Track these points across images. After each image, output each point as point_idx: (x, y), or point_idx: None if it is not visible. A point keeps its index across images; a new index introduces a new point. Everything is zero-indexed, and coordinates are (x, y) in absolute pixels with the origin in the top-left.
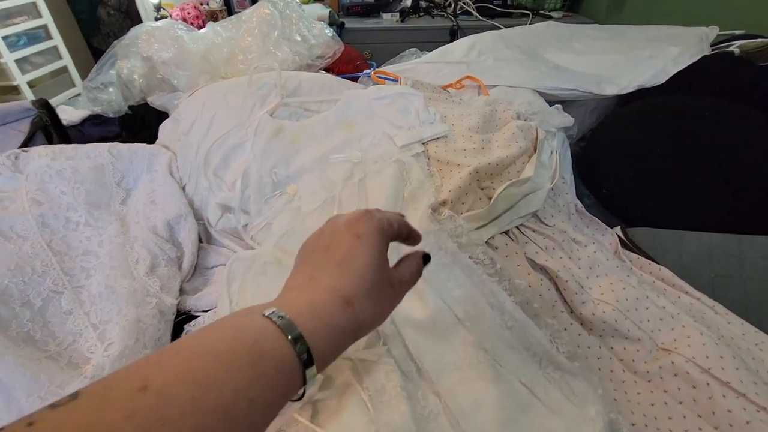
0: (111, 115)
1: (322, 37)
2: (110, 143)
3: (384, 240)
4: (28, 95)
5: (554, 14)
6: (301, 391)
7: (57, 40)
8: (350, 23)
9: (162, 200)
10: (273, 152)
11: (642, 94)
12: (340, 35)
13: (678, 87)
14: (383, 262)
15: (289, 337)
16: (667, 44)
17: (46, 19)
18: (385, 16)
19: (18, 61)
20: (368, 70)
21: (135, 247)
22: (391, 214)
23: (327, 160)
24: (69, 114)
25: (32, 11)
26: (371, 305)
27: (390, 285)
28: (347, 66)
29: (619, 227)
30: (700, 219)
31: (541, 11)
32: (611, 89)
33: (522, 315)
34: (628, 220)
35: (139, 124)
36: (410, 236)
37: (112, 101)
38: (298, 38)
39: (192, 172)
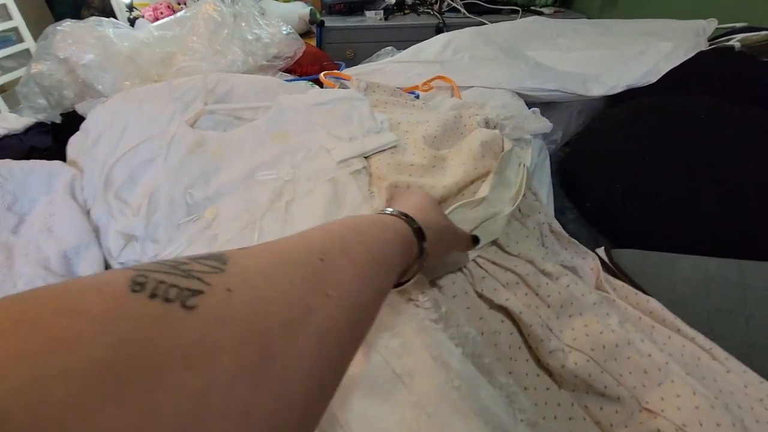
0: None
1: (278, 35)
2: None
3: (434, 198)
4: None
5: (545, 10)
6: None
7: (29, 43)
8: (333, 22)
9: (60, 227)
10: (189, 169)
11: (632, 94)
12: (320, 35)
13: (671, 86)
14: (437, 204)
15: (397, 214)
16: (659, 39)
17: (17, 21)
18: (369, 14)
19: None
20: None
21: (18, 286)
22: None
23: (253, 177)
24: (11, 122)
25: (2, 13)
26: (434, 217)
27: (447, 218)
28: (313, 67)
29: (602, 248)
30: (696, 237)
31: (532, 7)
32: (598, 89)
33: (471, 372)
34: (616, 237)
35: (72, 134)
36: None
37: (48, 108)
38: (250, 37)
39: (96, 193)
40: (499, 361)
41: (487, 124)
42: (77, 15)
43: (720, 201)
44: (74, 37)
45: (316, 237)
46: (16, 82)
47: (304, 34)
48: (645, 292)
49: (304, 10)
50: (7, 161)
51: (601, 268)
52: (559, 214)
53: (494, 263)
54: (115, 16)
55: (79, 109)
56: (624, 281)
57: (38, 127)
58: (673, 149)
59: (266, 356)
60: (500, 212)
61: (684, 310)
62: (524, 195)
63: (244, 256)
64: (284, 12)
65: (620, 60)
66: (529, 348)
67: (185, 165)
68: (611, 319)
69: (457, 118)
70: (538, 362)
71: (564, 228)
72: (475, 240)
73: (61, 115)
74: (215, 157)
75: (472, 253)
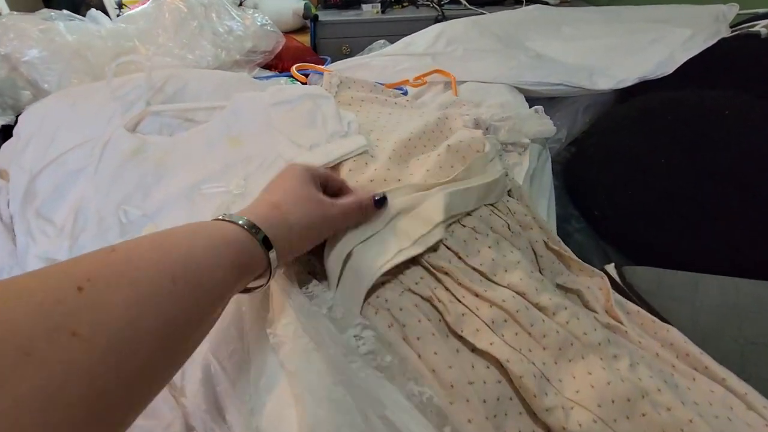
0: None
1: (253, 27)
2: None
3: (308, 172)
4: None
5: (551, 0)
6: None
7: None
8: (328, 16)
9: None
10: (125, 181)
11: (644, 88)
12: (314, 29)
13: (690, 79)
14: (307, 183)
15: (239, 222)
16: (674, 26)
17: (4, 11)
18: (366, 7)
19: None
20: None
21: None
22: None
23: (199, 190)
24: None
25: None
26: (297, 209)
27: (318, 201)
28: (295, 62)
29: (612, 265)
30: (721, 254)
31: None
32: (605, 83)
33: None
34: (627, 251)
35: None
36: (342, 190)
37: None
38: (222, 29)
39: (17, 208)
40: (474, 423)
41: (477, 125)
42: (77, 10)
43: (750, 213)
44: (16, 31)
45: (89, 259)
46: None
47: (299, 30)
48: (663, 319)
49: (297, 4)
50: None
51: (611, 288)
52: (563, 222)
53: (477, 295)
54: (107, 14)
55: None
56: (638, 304)
57: (3, 131)
58: (693, 151)
59: None
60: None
61: (711, 342)
62: (514, 212)
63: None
64: (277, 7)
65: (631, 50)
66: (522, 399)
67: (120, 176)
68: (621, 362)
69: (441, 120)
70: (534, 416)
71: (569, 239)
72: (381, 201)
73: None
74: (157, 167)
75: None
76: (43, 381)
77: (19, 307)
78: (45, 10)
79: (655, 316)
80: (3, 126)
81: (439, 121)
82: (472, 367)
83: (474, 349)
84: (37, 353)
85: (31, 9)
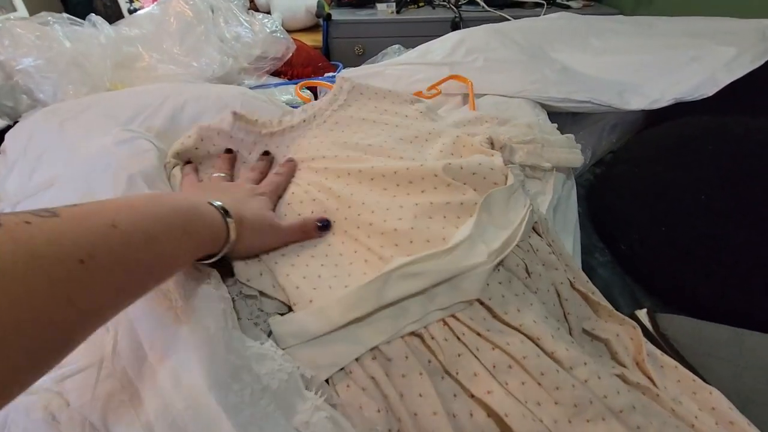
0: None
1: (262, 34)
2: None
3: (251, 191)
4: None
5: (573, 4)
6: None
7: None
8: (341, 15)
9: None
10: None
11: (681, 110)
12: (327, 29)
13: (733, 103)
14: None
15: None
16: (716, 42)
17: (22, 13)
18: (380, 6)
19: None
20: (332, 74)
21: None
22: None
23: None
24: None
25: (6, 4)
26: (249, 209)
27: (267, 212)
28: (305, 69)
29: (644, 311)
30: None
31: (558, 1)
32: (638, 102)
33: None
34: (658, 294)
35: None
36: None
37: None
38: (229, 35)
39: None
40: None
41: (492, 145)
42: (89, 6)
43: None
44: (12, 37)
45: (93, 223)
46: None
47: (311, 28)
48: (703, 380)
49: (311, 1)
50: None
51: (643, 339)
52: (585, 254)
53: (479, 334)
54: (119, 8)
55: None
56: (674, 358)
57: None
58: (739, 188)
59: None
60: (476, 265)
61: (755, 408)
62: (536, 250)
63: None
64: (290, 3)
65: (666, 67)
66: None
67: None
68: None
69: (455, 144)
70: None
71: (592, 273)
72: (324, 226)
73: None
74: None
75: (431, 314)
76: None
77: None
78: (44, 13)
79: (695, 375)
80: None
81: (452, 145)
82: (471, 415)
83: (473, 396)
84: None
85: (45, 1)
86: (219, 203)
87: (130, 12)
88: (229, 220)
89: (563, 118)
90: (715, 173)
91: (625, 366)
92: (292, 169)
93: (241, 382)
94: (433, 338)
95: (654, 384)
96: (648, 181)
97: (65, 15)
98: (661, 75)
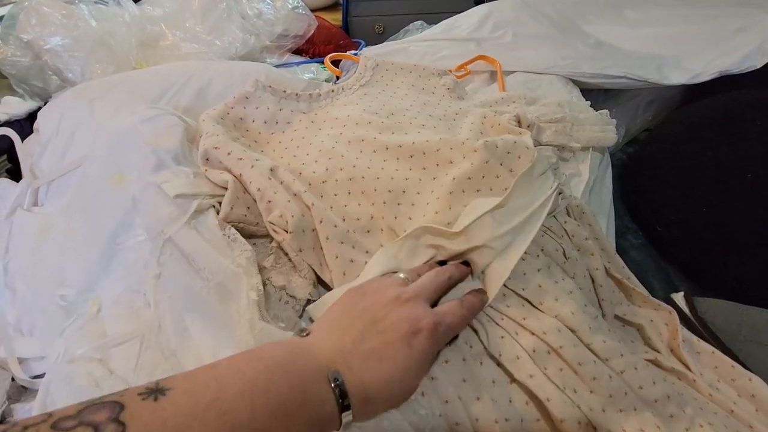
0: None
1: (284, 10)
2: None
3: (434, 351)
4: None
5: None
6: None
7: None
8: None
9: None
10: (46, 264)
11: (724, 85)
12: (347, 7)
13: None
14: (421, 369)
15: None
16: (764, 11)
17: None
18: None
19: None
20: (354, 51)
21: None
22: (459, 319)
23: (116, 246)
24: (13, 107)
25: None
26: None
27: (402, 389)
28: (327, 47)
29: (681, 294)
30: None
31: None
32: (678, 76)
33: None
34: (698, 279)
35: None
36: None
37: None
38: (251, 13)
39: None
40: None
41: (519, 124)
42: None
43: None
44: (39, 16)
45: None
46: None
47: (331, 7)
48: (743, 365)
49: None
50: None
51: (679, 325)
52: (618, 236)
53: (516, 322)
54: None
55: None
56: (713, 345)
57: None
58: None
59: None
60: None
61: None
62: (572, 235)
63: (146, 411)
64: None
65: (710, 38)
66: None
67: (41, 260)
68: (678, 424)
69: (483, 123)
70: None
71: (625, 256)
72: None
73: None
74: (66, 238)
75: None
76: None
77: None
78: None
79: (734, 360)
80: (30, 112)
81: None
82: (510, 401)
83: (513, 381)
84: None
85: None
86: (337, 379)
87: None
88: (344, 413)
89: (595, 95)
90: (763, 150)
91: (658, 351)
92: (480, 304)
93: None
94: (477, 320)
95: (689, 370)
96: (688, 159)
97: None
98: (704, 47)
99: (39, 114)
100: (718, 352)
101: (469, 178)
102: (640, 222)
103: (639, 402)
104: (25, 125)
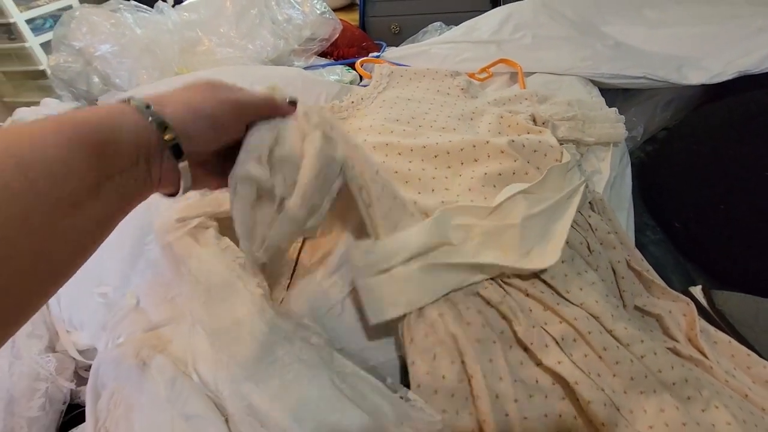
0: None
1: (312, 15)
2: None
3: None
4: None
5: None
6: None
7: None
8: None
9: None
10: (83, 267)
11: (743, 85)
12: (363, 7)
13: None
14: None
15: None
16: None
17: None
18: None
19: (43, 45)
20: (376, 53)
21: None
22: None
23: (143, 249)
24: (51, 108)
25: None
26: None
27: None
28: (350, 49)
29: (699, 288)
30: None
31: None
32: (698, 76)
33: None
34: (716, 274)
35: None
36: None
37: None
38: (281, 18)
39: None
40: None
41: (534, 122)
42: None
43: None
44: (90, 25)
45: None
46: None
47: (348, 7)
48: (760, 355)
49: None
50: None
51: (697, 315)
52: (637, 232)
53: (546, 309)
54: None
55: (102, 102)
56: (730, 335)
57: None
58: None
59: None
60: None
61: None
62: (595, 229)
63: None
64: None
65: (730, 39)
66: (589, 419)
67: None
68: (694, 405)
69: (501, 123)
70: None
71: (643, 251)
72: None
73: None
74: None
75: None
76: None
77: None
78: (113, 1)
79: (750, 349)
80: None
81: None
82: (537, 381)
83: (539, 364)
84: None
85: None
86: (140, 99)
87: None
88: (149, 112)
89: (613, 94)
90: None
91: (677, 340)
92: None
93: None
94: (510, 309)
95: (706, 358)
96: (707, 157)
97: (133, 2)
98: (724, 47)
99: None
100: (734, 342)
101: (500, 174)
102: (658, 218)
103: (658, 385)
104: None
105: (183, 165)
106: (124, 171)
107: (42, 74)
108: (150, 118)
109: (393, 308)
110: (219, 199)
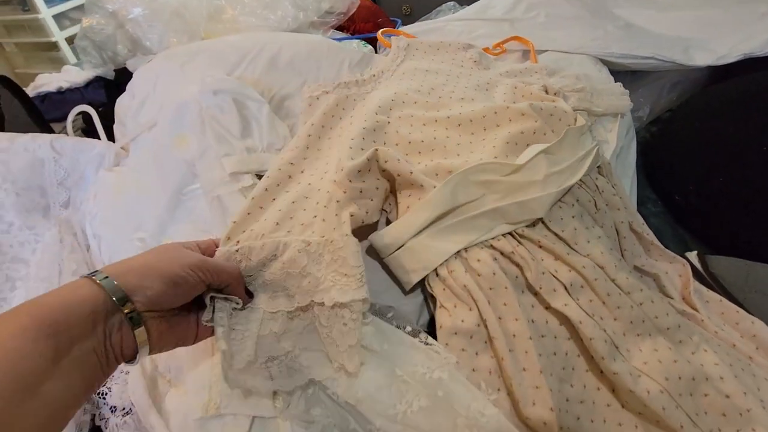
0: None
1: None
2: (54, 135)
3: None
4: (67, 52)
5: None
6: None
7: None
8: None
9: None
10: (121, 212)
11: (749, 67)
12: None
13: None
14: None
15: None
16: None
17: None
18: None
19: (56, 17)
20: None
21: (74, 257)
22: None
23: (182, 196)
24: (72, 75)
25: None
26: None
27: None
28: (366, 24)
29: (695, 253)
30: None
31: None
32: (704, 58)
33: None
34: (708, 241)
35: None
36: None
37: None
38: None
39: None
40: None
41: (546, 92)
42: None
43: None
44: None
45: None
46: None
47: None
48: (748, 311)
49: None
50: (61, 136)
51: (691, 276)
52: (639, 204)
53: (557, 258)
54: None
55: (130, 65)
56: (721, 294)
57: (97, 82)
58: None
59: None
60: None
61: None
62: (602, 191)
63: None
64: None
65: (736, 22)
66: (590, 357)
67: (117, 206)
68: (685, 348)
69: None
70: (600, 374)
71: (645, 222)
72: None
73: (115, 71)
74: (139, 192)
75: (498, 228)
76: None
77: None
78: None
79: (739, 306)
80: (96, 77)
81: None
82: (546, 322)
83: (548, 308)
84: None
85: None
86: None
87: None
88: (106, 281)
89: (621, 76)
90: None
91: (671, 298)
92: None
93: None
94: (522, 257)
95: (698, 312)
96: (708, 134)
97: None
98: (730, 31)
99: (135, 75)
100: (725, 300)
101: (522, 133)
102: (659, 192)
103: (654, 329)
104: (85, 92)
105: (139, 331)
106: (82, 339)
107: (54, 46)
108: (105, 287)
109: (414, 274)
110: (263, 158)
